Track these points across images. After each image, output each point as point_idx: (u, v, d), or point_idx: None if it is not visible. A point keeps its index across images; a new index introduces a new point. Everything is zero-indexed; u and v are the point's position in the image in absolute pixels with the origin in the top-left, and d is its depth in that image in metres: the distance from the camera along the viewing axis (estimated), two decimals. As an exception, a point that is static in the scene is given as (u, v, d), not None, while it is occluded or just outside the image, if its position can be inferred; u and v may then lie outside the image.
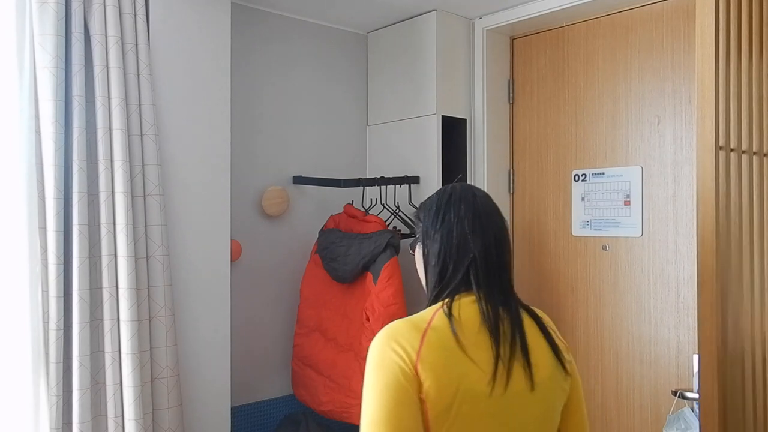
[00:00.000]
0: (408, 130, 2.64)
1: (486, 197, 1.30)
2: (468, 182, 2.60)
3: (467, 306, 1.20)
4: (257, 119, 2.53)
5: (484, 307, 1.18)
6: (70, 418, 1.75)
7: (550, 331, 1.25)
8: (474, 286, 1.21)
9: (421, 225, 1.30)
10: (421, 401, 1.10)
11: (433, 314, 1.18)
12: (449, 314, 1.17)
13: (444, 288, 1.23)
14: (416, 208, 1.35)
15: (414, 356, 1.11)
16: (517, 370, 1.16)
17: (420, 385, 1.09)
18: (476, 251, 1.22)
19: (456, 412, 1.11)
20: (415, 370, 1.10)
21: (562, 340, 1.28)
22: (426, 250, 1.27)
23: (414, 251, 1.35)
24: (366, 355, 1.23)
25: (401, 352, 1.11)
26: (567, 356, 1.25)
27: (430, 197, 1.34)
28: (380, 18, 2.68)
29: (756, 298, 1.59)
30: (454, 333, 1.14)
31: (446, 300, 1.21)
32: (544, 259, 2.57)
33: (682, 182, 2.18)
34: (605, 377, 2.37)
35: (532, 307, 1.28)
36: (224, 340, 2.09)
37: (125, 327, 1.79)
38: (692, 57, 2.09)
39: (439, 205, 1.28)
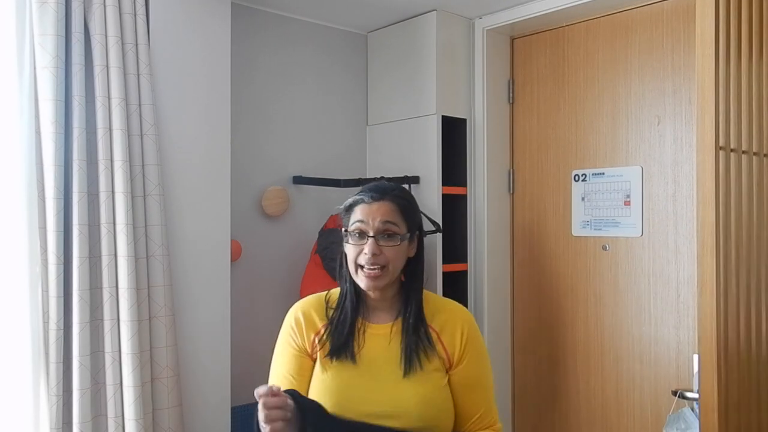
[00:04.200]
0: (408, 130, 2.64)
1: None
2: (468, 182, 2.62)
3: None
4: (257, 119, 2.53)
5: None
6: (70, 418, 1.75)
7: None
8: None
9: (417, 219, 1.48)
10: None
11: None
12: None
13: None
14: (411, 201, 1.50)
15: None
16: None
17: None
18: None
19: None
20: None
21: None
22: (423, 243, 1.49)
23: (413, 243, 1.47)
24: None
25: None
26: None
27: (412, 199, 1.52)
28: (380, 18, 2.67)
29: (756, 298, 1.60)
30: None
31: None
32: (544, 259, 2.56)
33: (682, 182, 2.18)
34: (605, 377, 2.37)
35: None
36: (224, 340, 2.09)
37: (125, 327, 1.79)
38: (692, 57, 2.08)
39: None
